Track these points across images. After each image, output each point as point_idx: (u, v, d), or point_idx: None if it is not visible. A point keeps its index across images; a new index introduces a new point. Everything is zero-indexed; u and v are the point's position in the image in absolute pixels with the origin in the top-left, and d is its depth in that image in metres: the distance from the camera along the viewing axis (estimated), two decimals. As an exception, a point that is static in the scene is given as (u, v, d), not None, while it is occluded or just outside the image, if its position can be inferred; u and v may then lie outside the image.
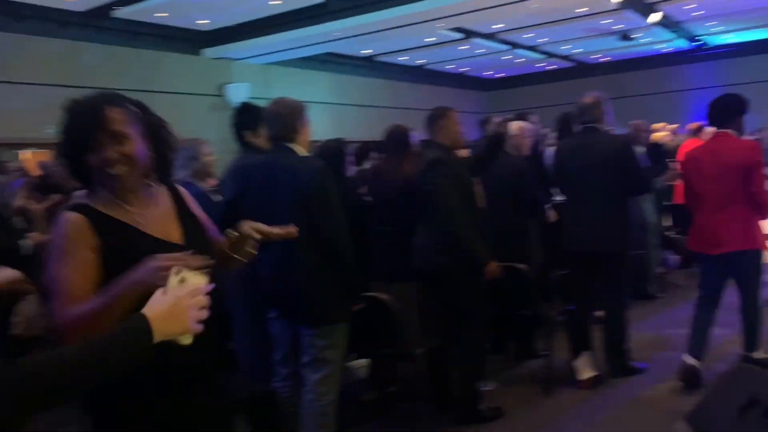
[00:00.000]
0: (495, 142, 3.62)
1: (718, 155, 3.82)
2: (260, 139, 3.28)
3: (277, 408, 2.92)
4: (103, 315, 1.35)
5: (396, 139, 3.75)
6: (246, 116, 3.37)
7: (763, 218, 3.86)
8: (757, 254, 3.86)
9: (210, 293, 1.34)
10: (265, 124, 2.86)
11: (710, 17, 14.28)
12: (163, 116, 1.66)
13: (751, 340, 3.99)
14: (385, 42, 13.76)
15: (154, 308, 1.25)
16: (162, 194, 1.63)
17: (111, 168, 1.48)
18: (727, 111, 3.88)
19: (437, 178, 3.35)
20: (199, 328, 1.28)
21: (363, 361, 3.97)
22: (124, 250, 1.46)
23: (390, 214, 3.68)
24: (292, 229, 1.73)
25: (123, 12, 10.22)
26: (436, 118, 3.58)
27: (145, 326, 1.22)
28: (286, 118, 2.76)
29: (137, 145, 1.51)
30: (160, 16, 10.81)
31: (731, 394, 2.73)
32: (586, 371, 3.96)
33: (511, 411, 3.62)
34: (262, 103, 3.32)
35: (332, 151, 3.90)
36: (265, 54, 13.01)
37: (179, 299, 1.26)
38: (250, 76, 13.21)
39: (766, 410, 2.50)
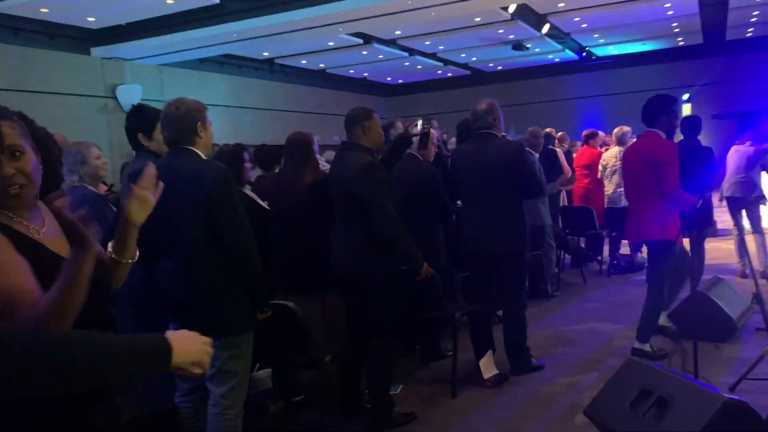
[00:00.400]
0: (402, 144, 3.61)
1: (639, 153, 4.23)
2: (155, 142, 3.13)
3: (180, 424, 2.78)
4: (69, 297, 1.35)
5: (297, 148, 3.66)
6: (141, 118, 3.20)
7: (676, 211, 4.13)
8: (665, 244, 4.14)
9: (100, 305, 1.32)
10: (162, 126, 2.71)
11: (594, 30, 15.16)
12: (49, 119, 1.56)
13: (644, 330, 4.24)
14: (286, 45, 13.61)
15: (172, 334, 1.31)
16: (47, 210, 1.56)
17: (10, 186, 1.39)
18: (653, 111, 4.21)
19: (373, 183, 3.26)
20: (208, 363, 1.35)
21: (267, 371, 3.87)
22: (38, 267, 1.39)
23: (291, 224, 3.59)
24: (148, 172, 1.67)
25: (2, 6, 9.50)
26: (361, 119, 3.44)
27: (165, 341, 1.27)
28: (186, 119, 2.63)
29: (32, 160, 1.43)
30: (45, 12, 10.15)
31: (625, 387, 2.88)
32: (489, 370, 4.06)
33: (419, 412, 3.64)
34: (155, 106, 3.17)
35: (230, 156, 3.77)
36: (159, 55, 12.52)
37: (195, 335, 1.36)
38: (143, 78, 12.67)
39: (657, 400, 2.66)
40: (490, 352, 4.11)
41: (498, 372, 4.07)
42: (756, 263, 6.01)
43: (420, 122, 3.57)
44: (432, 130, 4.17)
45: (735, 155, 6.31)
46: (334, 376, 3.55)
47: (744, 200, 6.46)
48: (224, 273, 2.58)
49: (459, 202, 4.53)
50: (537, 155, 5.99)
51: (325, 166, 4.07)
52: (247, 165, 4.04)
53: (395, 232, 3.26)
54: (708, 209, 5.85)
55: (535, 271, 5.92)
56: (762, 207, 6.37)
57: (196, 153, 2.65)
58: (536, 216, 5.80)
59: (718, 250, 7.37)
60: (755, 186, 6.41)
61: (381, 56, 16.16)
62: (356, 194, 3.26)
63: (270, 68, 16.45)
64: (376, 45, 14.75)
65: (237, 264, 2.58)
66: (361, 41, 14.27)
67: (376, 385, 3.44)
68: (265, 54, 15.36)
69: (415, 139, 3.84)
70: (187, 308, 2.66)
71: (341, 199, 3.39)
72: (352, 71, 18.67)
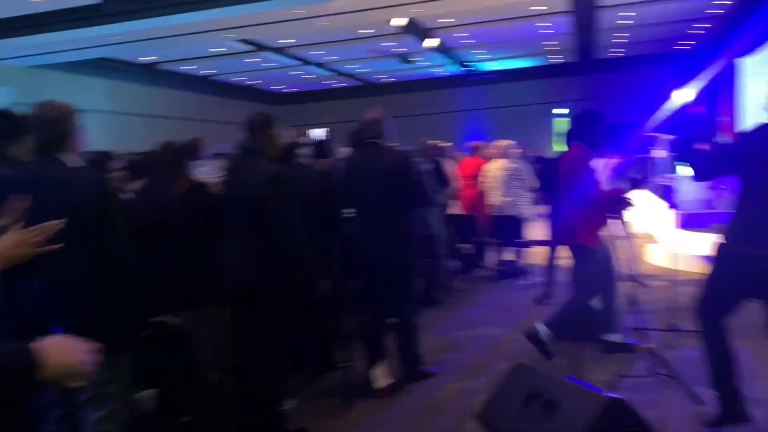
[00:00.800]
0: (289, 153, 3.53)
1: (559, 165, 4.55)
2: (19, 149, 2.86)
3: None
4: None
5: (167, 156, 3.46)
6: (4, 123, 2.92)
7: (593, 217, 4.36)
8: (581, 250, 4.40)
9: None
10: (32, 130, 2.48)
11: (478, 45, 15.78)
12: None
13: (555, 321, 4.50)
14: (169, 49, 13.12)
15: (45, 342, 1.21)
16: None
17: None
18: (576, 125, 4.48)
19: (284, 194, 3.16)
20: (90, 372, 1.26)
21: (150, 392, 3.64)
22: None
23: (165, 236, 3.38)
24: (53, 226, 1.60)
25: None
26: (265, 125, 3.34)
27: (28, 351, 1.17)
28: (56, 123, 2.42)
29: None
30: None
31: (513, 391, 2.95)
32: (382, 379, 4.04)
33: (313, 426, 3.56)
34: (25, 110, 2.90)
35: (93, 163, 3.54)
36: (31, 55, 11.66)
37: (73, 342, 1.26)
38: (12, 79, 11.75)
39: (545, 402, 2.74)
40: (382, 361, 4.10)
41: (391, 381, 4.06)
42: (626, 267, 6.42)
43: (319, 131, 3.53)
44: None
45: (607, 167, 6.74)
46: (222, 395, 3.40)
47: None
48: (100, 290, 2.39)
49: (351, 210, 4.50)
50: (432, 164, 6.10)
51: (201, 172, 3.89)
52: (116, 174, 3.84)
53: (304, 245, 3.19)
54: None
55: (426, 278, 6.00)
56: (628, 213, 6.80)
57: (69, 160, 2.45)
58: (427, 224, 5.89)
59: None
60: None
61: (272, 64, 15.97)
62: (265, 204, 3.14)
63: (152, 73, 15.78)
64: (266, 53, 14.54)
65: (114, 279, 2.39)
66: (249, 48, 14.02)
67: (268, 401, 3.33)
68: (148, 58, 14.72)
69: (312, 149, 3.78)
70: (56, 329, 2.44)
71: (242, 207, 3.24)
72: (240, 79, 18.31)
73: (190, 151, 3.57)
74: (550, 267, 6.48)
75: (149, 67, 15.48)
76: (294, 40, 13.79)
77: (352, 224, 4.35)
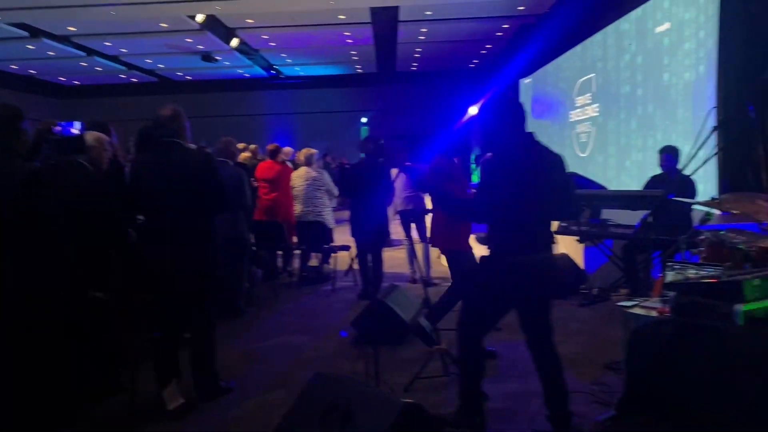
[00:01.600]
0: (35, 148, 3.14)
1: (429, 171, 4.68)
2: None
3: None
4: None
5: None
6: None
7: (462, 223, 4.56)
8: (457, 254, 4.58)
9: None
10: None
11: (281, 49, 15.68)
12: None
13: (433, 312, 4.61)
14: None
15: None
16: None
17: None
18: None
19: (38, 197, 2.79)
20: None
21: None
22: None
23: None
24: None
25: None
26: (13, 120, 2.95)
27: None
28: None
29: None
30: None
31: (312, 403, 2.86)
32: (174, 400, 3.73)
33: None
34: None
35: None
36: None
37: None
38: None
39: (344, 414, 2.69)
40: (174, 380, 3.78)
41: (183, 401, 3.76)
42: (423, 270, 6.71)
43: (76, 124, 3.17)
44: (102, 136, 3.74)
45: (402, 174, 6.99)
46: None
47: (413, 213, 7.21)
48: None
49: (139, 216, 4.12)
50: (232, 164, 5.87)
51: None
52: None
53: (67, 253, 2.82)
54: (385, 222, 6.38)
55: (228, 287, 5.72)
56: (428, 219, 7.16)
57: None
58: (234, 229, 5.64)
59: (393, 259, 8.08)
60: (422, 201, 7.20)
61: (52, 53, 14.44)
62: (18, 208, 2.71)
63: None
64: (45, 40, 13.10)
65: None
66: (26, 34, 12.53)
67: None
68: None
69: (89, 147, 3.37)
70: None
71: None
72: (15, 66, 16.37)
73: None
74: (362, 269, 6.61)
75: None
76: (76, 29, 12.59)
77: (142, 231, 3.98)
